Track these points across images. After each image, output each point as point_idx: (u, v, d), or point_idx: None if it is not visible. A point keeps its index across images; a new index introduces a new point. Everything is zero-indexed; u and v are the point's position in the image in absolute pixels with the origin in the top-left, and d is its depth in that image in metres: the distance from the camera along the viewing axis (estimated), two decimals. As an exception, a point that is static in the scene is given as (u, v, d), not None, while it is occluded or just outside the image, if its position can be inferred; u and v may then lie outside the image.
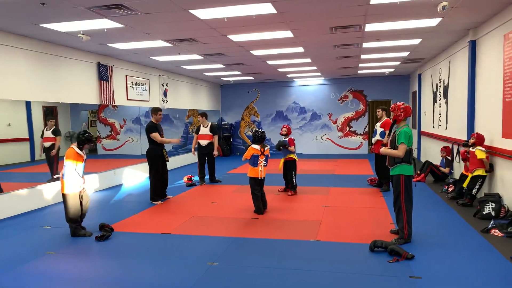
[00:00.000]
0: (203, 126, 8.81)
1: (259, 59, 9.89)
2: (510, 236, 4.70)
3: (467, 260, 4.07)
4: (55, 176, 7.55)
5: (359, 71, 12.97)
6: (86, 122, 10.56)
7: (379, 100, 14.97)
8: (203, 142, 8.75)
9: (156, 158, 6.99)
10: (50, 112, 8.14)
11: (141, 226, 5.63)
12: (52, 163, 7.79)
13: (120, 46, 7.82)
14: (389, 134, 4.98)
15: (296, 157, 7.54)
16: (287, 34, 7.04)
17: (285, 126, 7.57)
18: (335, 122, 15.33)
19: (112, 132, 10.94)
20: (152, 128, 6.97)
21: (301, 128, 15.63)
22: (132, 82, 9.94)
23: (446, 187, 7.36)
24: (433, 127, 10.61)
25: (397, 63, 11.20)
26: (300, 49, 8.66)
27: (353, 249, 4.47)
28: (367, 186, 8.30)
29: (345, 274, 3.78)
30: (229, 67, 11.21)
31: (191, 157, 9.53)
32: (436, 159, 9.23)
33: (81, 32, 6.44)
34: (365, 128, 15.13)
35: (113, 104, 9.13)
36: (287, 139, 7.43)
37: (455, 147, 8.27)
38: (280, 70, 12.08)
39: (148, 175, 7.20)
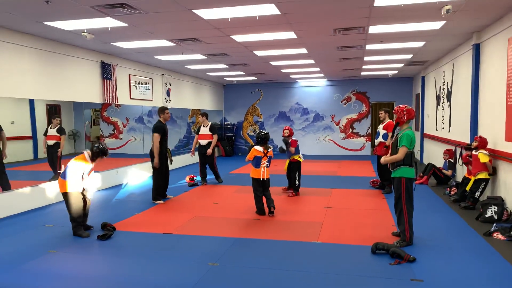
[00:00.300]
0: (204, 126, 8.82)
1: (263, 60, 9.89)
2: (512, 240, 4.68)
3: (469, 263, 4.06)
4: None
5: (362, 73, 12.96)
6: (89, 121, 10.58)
7: (382, 102, 14.97)
8: (203, 142, 8.75)
9: (159, 157, 6.96)
10: (53, 110, 8.16)
11: (143, 225, 5.64)
12: (54, 162, 7.80)
13: (124, 45, 7.84)
14: (392, 137, 4.97)
15: (301, 159, 7.54)
16: (291, 35, 7.04)
17: (286, 128, 7.57)
18: (337, 124, 15.31)
19: (115, 131, 10.95)
20: (157, 128, 6.85)
21: (304, 129, 15.62)
22: (135, 81, 9.96)
23: (448, 189, 7.34)
24: (436, 130, 10.59)
25: (401, 65, 11.18)
26: (304, 50, 8.66)
27: (355, 251, 4.46)
28: (369, 188, 8.28)
29: (346, 276, 3.78)
30: (233, 67, 11.22)
31: (193, 157, 9.51)
32: (439, 162, 9.21)
33: (85, 31, 6.46)
34: (367, 129, 15.12)
35: (116, 103, 9.15)
36: (289, 140, 7.44)
37: (458, 150, 8.25)
38: (283, 71, 12.07)
39: (151, 174, 7.18)
